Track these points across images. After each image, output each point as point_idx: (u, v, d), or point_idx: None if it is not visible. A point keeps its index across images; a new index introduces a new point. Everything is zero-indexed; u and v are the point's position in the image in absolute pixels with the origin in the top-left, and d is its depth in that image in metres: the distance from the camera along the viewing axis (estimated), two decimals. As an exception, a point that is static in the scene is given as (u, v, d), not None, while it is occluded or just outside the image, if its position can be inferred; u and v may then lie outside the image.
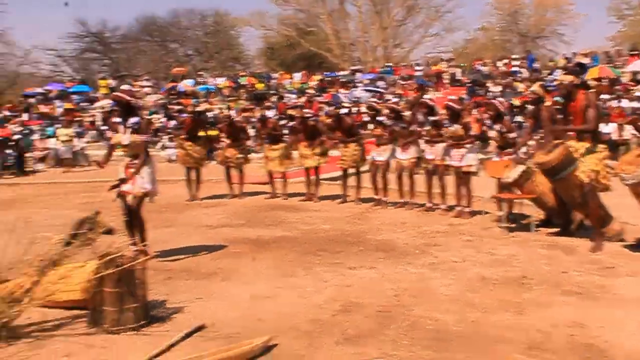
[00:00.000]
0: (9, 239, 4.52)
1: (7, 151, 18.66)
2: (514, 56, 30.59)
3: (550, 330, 4.12)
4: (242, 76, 33.42)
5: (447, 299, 4.82)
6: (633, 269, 5.61)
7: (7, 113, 26.14)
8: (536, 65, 27.69)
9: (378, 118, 9.74)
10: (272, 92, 28.65)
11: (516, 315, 4.42)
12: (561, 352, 3.76)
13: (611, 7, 38.44)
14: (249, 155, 11.20)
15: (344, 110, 12.84)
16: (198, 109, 16.71)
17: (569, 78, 6.55)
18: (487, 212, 8.28)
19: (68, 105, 27.33)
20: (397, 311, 4.53)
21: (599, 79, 19.42)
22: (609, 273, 5.49)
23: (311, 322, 4.31)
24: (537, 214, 7.80)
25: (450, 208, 8.69)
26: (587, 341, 3.91)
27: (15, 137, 20.35)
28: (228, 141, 10.92)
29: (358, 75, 31.04)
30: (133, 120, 6.21)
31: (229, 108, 11.94)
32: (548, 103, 9.81)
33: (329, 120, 10.47)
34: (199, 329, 4.18)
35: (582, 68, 15.40)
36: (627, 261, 5.88)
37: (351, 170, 9.91)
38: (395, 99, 20.14)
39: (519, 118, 18.28)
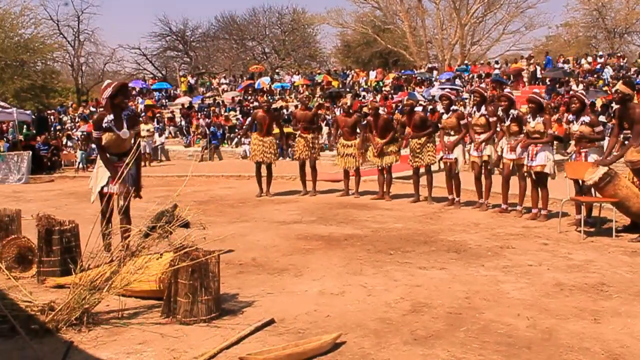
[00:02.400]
0: (91, 230, 4.75)
1: (92, 145, 19.55)
2: (599, 53, 29.42)
3: (631, 341, 3.93)
4: (318, 74, 33.67)
5: (520, 303, 4.70)
6: None
7: (92, 109, 27.35)
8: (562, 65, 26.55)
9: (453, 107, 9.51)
10: (347, 89, 28.72)
11: (593, 324, 4.24)
12: (641, 364, 3.60)
13: None
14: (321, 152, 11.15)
15: (417, 108, 12.67)
16: (274, 105, 16.95)
17: None
18: (565, 215, 7.99)
19: (148, 102, 28.32)
20: (468, 314, 4.45)
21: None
22: (696, 283, 5.20)
23: (379, 321, 4.30)
24: (619, 218, 7.47)
25: (527, 210, 8.45)
26: (669, 354, 3.72)
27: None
28: (305, 134, 10.82)
29: (434, 73, 30.66)
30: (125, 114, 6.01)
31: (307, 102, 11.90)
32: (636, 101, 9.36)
33: (402, 117, 10.29)
34: (269, 323, 4.24)
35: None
36: None
37: (422, 169, 9.80)
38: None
39: (601, 118, 17.59)
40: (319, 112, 12.05)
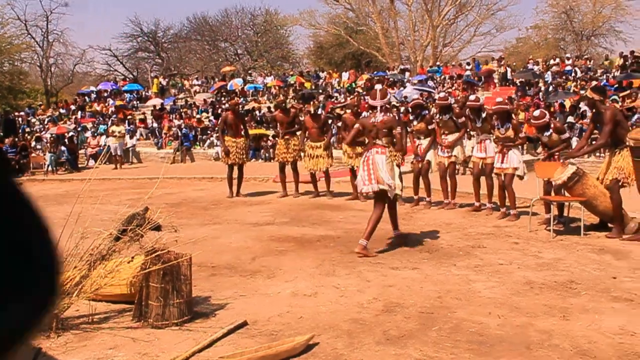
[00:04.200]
0: (61, 233, 4.68)
1: (62, 148, 19.32)
2: (567, 55, 29.95)
3: (598, 337, 4.01)
4: (291, 75, 33.65)
5: (491, 302, 4.75)
6: (687, 275, 5.43)
7: (62, 111, 26.97)
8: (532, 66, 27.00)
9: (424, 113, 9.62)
10: (320, 91, 28.76)
11: (562, 321, 4.31)
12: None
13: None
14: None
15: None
16: (246, 107, 16.90)
17: None
18: (534, 214, 8.11)
19: (119, 103, 28.04)
20: (440, 313, 4.49)
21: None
22: (661, 279, 5.32)
23: (352, 322, 4.32)
24: (587, 217, 7.61)
25: (496, 208, 8.58)
26: (636, 350, 3.79)
27: (69, 134, 21.01)
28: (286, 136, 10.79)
29: (406, 74, 30.86)
30: None
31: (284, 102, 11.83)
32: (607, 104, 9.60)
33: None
34: (241, 325, 4.23)
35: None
36: (682, 268, 5.70)
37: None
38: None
39: (570, 119, 17.90)
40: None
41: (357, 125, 6.66)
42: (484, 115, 8.67)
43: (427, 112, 9.36)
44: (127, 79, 40.83)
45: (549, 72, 25.74)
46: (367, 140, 6.63)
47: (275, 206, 9.87)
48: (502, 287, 5.12)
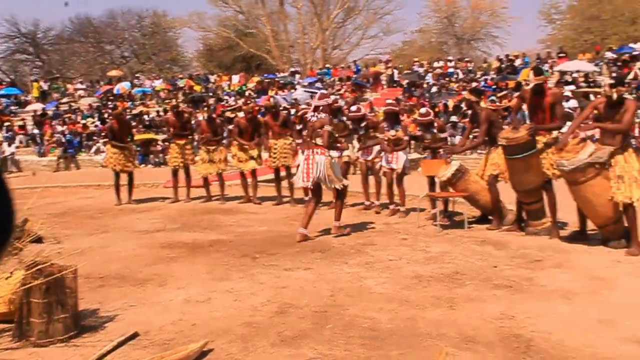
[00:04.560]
0: None
1: None
2: (450, 58, 31.37)
3: (481, 323, 4.23)
4: (180, 78, 33.01)
5: (382, 297, 4.88)
6: (558, 261, 5.86)
7: None
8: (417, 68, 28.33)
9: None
10: (210, 94, 28.42)
11: (449, 311, 4.51)
12: (491, 343, 3.87)
13: (542, 11, 39.90)
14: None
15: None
16: (134, 111, 16.42)
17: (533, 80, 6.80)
18: (422, 210, 8.42)
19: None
20: (333, 311, 4.56)
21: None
22: (536, 266, 5.69)
23: (246, 325, 4.29)
24: (470, 211, 8.01)
25: (385, 207, 8.83)
26: (515, 332, 4.04)
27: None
28: (178, 141, 10.65)
29: (297, 76, 31.11)
30: None
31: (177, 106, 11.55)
32: (483, 104, 10.19)
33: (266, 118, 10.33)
34: (132, 337, 4.09)
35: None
36: (553, 253, 6.13)
37: (283, 172, 9.97)
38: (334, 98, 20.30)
39: (454, 118, 18.75)
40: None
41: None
42: (363, 124, 8.98)
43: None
44: (4, 83, 38.39)
45: (429, 74, 26.81)
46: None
47: (165, 212, 9.63)
48: (393, 282, 5.28)
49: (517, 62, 26.18)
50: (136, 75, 38.14)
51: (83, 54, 45.63)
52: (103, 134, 18.26)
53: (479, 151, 13.14)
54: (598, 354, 3.68)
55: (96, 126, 23.40)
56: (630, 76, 20.66)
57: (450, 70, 27.43)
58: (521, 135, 6.69)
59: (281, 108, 20.58)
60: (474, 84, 22.59)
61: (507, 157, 6.95)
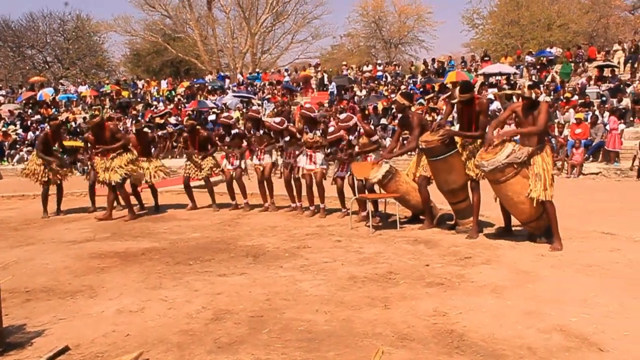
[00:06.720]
0: None
1: None
2: (379, 61, 31.87)
3: (415, 320, 4.31)
4: (107, 84, 32.17)
5: (318, 299, 4.90)
6: (487, 257, 6.05)
7: None
8: (346, 72, 28.87)
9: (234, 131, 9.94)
10: (138, 99, 27.83)
11: (384, 310, 4.57)
12: (425, 340, 3.94)
13: (464, 16, 41.13)
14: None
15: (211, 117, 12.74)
16: (60, 117, 15.87)
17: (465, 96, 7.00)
18: (355, 213, 8.52)
19: None
20: (269, 315, 4.54)
21: (455, 83, 20.69)
22: (466, 263, 5.86)
23: (182, 334, 4.22)
24: (402, 211, 8.16)
25: (310, 208, 9.10)
26: (448, 328, 4.14)
27: None
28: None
29: (226, 81, 30.87)
30: None
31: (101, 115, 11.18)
32: (414, 108, 10.44)
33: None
34: (62, 351, 3.94)
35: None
36: (482, 250, 6.33)
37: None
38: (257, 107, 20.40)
39: (384, 120, 19.04)
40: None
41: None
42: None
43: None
44: None
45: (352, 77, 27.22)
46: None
47: (95, 221, 9.36)
48: (328, 284, 5.31)
49: (444, 65, 26.93)
50: (60, 80, 36.92)
51: (2, 59, 43.77)
52: (34, 142, 17.55)
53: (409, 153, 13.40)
54: (526, 344, 3.82)
55: (18, 134, 22.50)
56: (548, 79, 21.59)
57: (379, 73, 27.86)
58: (433, 140, 6.98)
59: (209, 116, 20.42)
60: (403, 87, 23.05)
61: (428, 159, 7.20)
